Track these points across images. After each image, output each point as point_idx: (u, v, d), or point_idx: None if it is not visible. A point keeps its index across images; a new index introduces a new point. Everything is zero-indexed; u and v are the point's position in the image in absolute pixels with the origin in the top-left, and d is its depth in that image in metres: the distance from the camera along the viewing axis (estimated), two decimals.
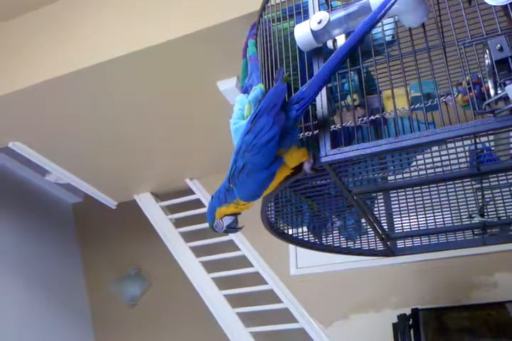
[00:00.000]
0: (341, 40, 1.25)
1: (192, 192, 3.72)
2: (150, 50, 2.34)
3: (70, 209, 4.52)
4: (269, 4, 1.45)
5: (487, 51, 1.03)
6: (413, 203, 1.54)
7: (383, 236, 1.59)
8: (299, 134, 1.17)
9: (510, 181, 1.44)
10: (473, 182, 1.46)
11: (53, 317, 3.69)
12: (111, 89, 2.66)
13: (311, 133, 1.16)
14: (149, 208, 3.84)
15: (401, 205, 1.55)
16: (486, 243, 1.63)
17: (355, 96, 1.26)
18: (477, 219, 1.50)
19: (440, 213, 1.57)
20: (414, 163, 1.28)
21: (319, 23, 1.17)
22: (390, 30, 1.28)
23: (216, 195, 1.25)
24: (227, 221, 1.29)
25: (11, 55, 2.73)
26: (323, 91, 1.17)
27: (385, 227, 1.60)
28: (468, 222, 1.55)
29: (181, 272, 3.50)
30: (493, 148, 1.27)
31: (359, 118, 1.18)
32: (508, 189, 1.48)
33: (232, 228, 1.32)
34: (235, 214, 1.29)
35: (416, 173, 1.27)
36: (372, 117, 1.16)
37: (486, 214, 1.50)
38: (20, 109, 2.78)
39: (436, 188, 1.49)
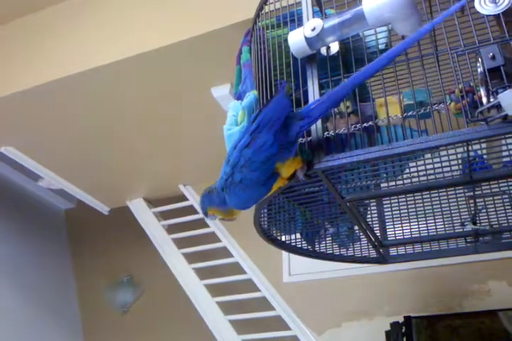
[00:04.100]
0: (335, 47, 1.26)
1: (185, 198, 3.71)
2: (144, 56, 2.35)
3: (63, 215, 4.50)
4: (263, 11, 1.46)
5: (479, 60, 1.03)
6: (406, 210, 1.54)
7: (376, 243, 1.59)
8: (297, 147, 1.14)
9: (502, 189, 1.44)
10: (465, 190, 1.46)
11: (43, 324, 3.66)
12: (104, 94, 2.66)
13: (304, 139, 1.16)
14: (142, 214, 3.83)
15: (394, 212, 1.56)
16: (479, 251, 1.63)
17: (348, 103, 1.26)
18: (469, 227, 1.50)
19: (433, 220, 1.57)
20: (407, 170, 1.28)
21: (313, 30, 1.17)
22: (384, 38, 1.29)
23: (208, 196, 1.25)
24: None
25: (3, 59, 2.72)
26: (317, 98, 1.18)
27: (378, 234, 1.60)
28: (461, 230, 1.55)
29: (174, 279, 3.49)
30: (485, 156, 1.28)
31: (352, 125, 1.18)
32: (500, 197, 1.49)
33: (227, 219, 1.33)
34: None
35: (409, 180, 1.27)
36: (365, 124, 1.16)
37: (478, 222, 1.51)
38: (12, 113, 2.78)
39: (428, 195, 1.50)
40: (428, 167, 1.20)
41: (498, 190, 1.44)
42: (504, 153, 1.19)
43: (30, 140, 3.04)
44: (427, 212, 1.54)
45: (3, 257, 3.62)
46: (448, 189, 1.44)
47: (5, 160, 3.53)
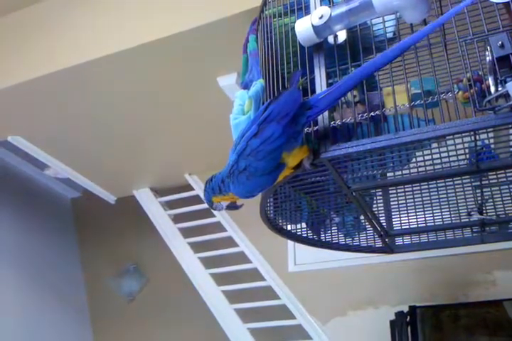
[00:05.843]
0: (342, 35, 1.25)
1: (191, 188, 3.72)
2: (150, 45, 2.34)
3: (69, 204, 4.52)
4: None
5: (488, 48, 1.02)
6: (412, 200, 1.54)
7: (382, 233, 1.59)
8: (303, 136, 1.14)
9: (509, 179, 1.44)
10: (472, 180, 1.46)
11: (51, 312, 3.69)
12: (111, 84, 2.66)
13: (310, 128, 1.16)
14: (148, 203, 3.85)
15: (400, 202, 1.55)
16: (485, 241, 1.63)
17: (355, 92, 1.25)
18: (476, 217, 1.50)
19: (439, 210, 1.57)
20: (413, 160, 1.28)
21: (320, 18, 1.16)
22: (392, 26, 1.28)
23: (210, 186, 1.25)
24: (226, 202, 1.30)
25: (9, 49, 2.72)
26: (324, 87, 1.17)
27: (384, 224, 1.60)
28: (467, 220, 1.54)
29: (180, 268, 3.50)
30: (492, 146, 1.27)
31: (359, 114, 1.18)
32: (507, 187, 1.48)
33: (233, 207, 1.33)
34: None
35: (415, 170, 1.26)
36: (372, 114, 1.16)
37: (484, 211, 1.50)
38: (19, 103, 2.78)
39: (435, 185, 1.49)
40: (435, 156, 1.20)
41: (505, 179, 1.43)
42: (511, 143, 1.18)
43: (37, 129, 3.05)
44: (433, 201, 1.54)
45: (10, 246, 3.65)
46: (454, 179, 1.44)
47: (12, 149, 3.54)
